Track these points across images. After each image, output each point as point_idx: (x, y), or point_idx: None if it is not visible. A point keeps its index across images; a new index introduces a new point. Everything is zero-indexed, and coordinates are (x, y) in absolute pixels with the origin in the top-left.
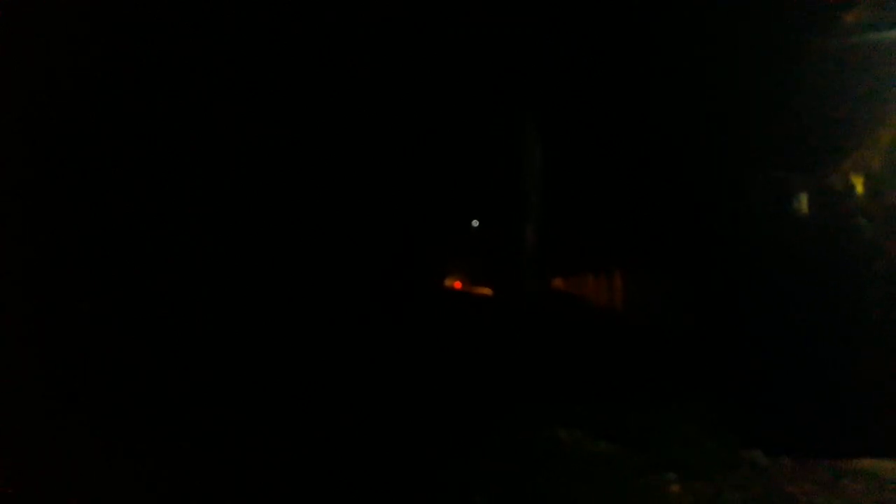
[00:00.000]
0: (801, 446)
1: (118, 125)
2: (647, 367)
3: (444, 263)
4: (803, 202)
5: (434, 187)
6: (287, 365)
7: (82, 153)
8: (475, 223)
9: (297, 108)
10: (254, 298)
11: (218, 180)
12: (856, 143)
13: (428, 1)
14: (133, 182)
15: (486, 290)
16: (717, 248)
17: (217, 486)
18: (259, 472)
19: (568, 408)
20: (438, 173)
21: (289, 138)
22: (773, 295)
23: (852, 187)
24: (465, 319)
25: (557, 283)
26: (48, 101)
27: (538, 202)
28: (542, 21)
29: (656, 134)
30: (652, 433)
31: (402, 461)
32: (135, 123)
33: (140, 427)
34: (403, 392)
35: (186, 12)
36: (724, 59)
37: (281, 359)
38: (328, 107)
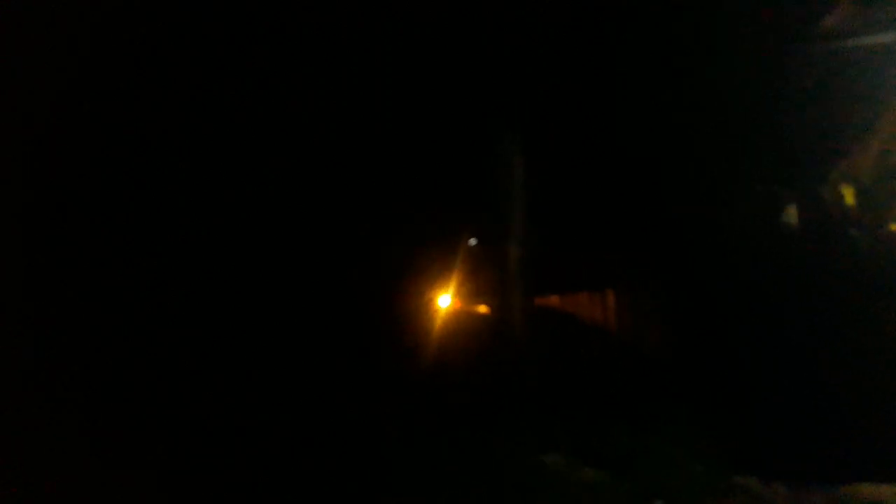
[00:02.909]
0: (798, 472)
1: (116, 126)
2: (638, 387)
3: (436, 281)
4: (792, 214)
5: (421, 204)
6: (260, 380)
7: (80, 154)
8: (473, 241)
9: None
10: (235, 312)
11: (211, 181)
12: (844, 153)
13: (405, 11)
14: (133, 183)
15: (482, 309)
16: (706, 264)
17: (215, 486)
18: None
19: (553, 431)
20: (423, 190)
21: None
22: (766, 312)
23: (842, 198)
24: (451, 338)
25: (553, 300)
26: (51, 103)
27: (521, 219)
28: (521, 31)
29: (638, 146)
30: (641, 458)
31: (371, 494)
32: (131, 125)
33: (139, 427)
34: (377, 414)
35: (180, 13)
36: (707, 69)
37: (254, 374)
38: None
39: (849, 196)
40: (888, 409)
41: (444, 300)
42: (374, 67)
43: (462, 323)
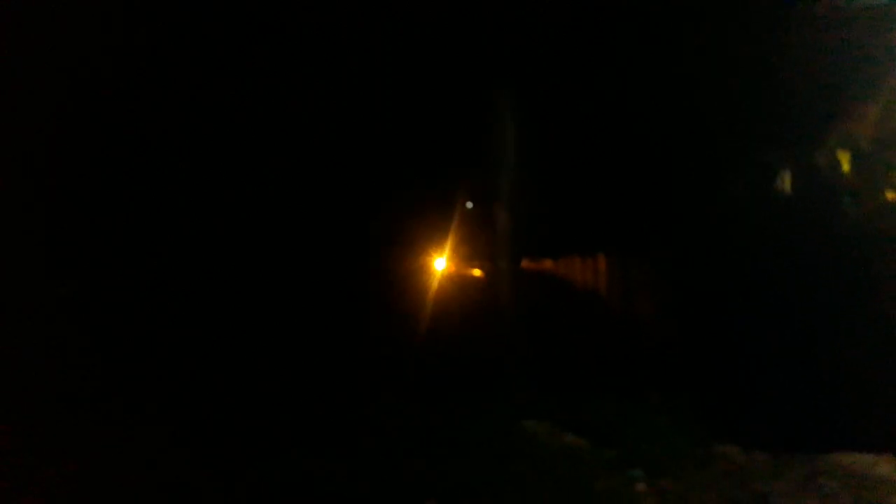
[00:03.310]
0: (779, 440)
1: (113, 126)
2: (625, 355)
3: (427, 245)
4: (786, 181)
5: (412, 168)
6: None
7: (78, 153)
8: (469, 205)
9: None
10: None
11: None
12: (842, 117)
13: None
14: (132, 182)
15: (477, 272)
16: (698, 231)
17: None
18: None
19: (538, 397)
20: (418, 154)
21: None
22: (754, 281)
23: (838, 164)
24: (442, 302)
25: (545, 264)
26: (51, 104)
27: (511, 182)
28: None
29: (635, 108)
30: (624, 425)
31: (349, 460)
32: (132, 126)
33: (137, 426)
34: (359, 378)
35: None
36: (705, 30)
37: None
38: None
39: (845, 162)
40: (869, 379)
41: (439, 263)
42: (371, 23)
43: (453, 286)
